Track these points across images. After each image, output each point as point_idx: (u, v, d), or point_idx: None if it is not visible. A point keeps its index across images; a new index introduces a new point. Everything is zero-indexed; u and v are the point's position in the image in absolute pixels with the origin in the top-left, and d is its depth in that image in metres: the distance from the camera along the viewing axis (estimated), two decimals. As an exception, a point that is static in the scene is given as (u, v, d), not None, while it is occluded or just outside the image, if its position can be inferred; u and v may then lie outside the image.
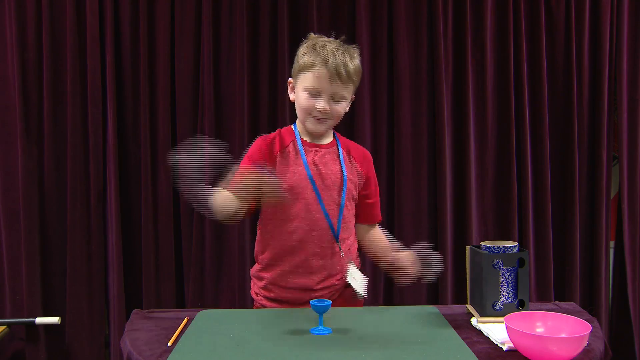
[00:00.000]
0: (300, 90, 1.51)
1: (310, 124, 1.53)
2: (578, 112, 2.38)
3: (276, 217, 1.53)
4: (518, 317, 1.12)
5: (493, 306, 1.25)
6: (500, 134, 2.38)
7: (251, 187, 1.33)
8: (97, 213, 2.25)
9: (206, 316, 1.36)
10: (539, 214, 2.36)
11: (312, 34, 1.58)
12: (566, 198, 2.39)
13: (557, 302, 1.48)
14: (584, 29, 2.37)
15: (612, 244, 2.48)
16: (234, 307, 2.21)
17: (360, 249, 1.68)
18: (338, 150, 1.60)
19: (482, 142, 2.37)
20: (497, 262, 1.25)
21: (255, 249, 1.62)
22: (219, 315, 1.37)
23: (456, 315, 1.34)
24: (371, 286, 2.31)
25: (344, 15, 2.33)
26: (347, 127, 2.28)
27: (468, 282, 1.37)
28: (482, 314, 1.26)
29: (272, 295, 1.55)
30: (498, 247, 1.25)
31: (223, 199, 1.40)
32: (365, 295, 1.54)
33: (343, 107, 1.55)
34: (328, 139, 1.61)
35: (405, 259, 1.55)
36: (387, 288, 2.36)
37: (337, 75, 1.47)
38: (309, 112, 1.51)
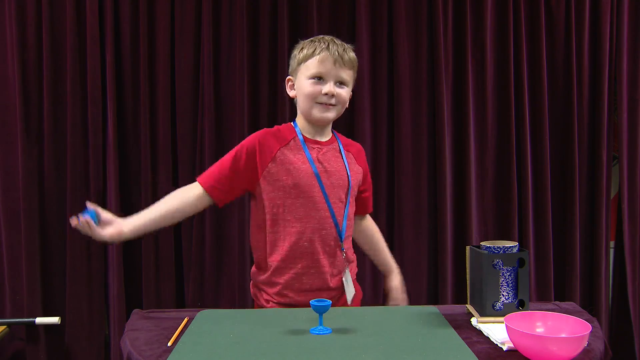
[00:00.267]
0: (303, 80, 1.52)
1: (317, 112, 1.53)
2: (578, 112, 2.38)
3: (283, 218, 1.51)
4: (518, 317, 1.12)
5: (493, 306, 1.25)
6: (500, 134, 2.38)
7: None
8: (97, 213, 2.25)
9: (206, 316, 1.35)
10: (539, 214, 2.36)
11: (300, 40, 1.61)
12: (566, 198, 2.39)
13: (557, 302, 1.48)
14: (584, 29, 2.37)
15: (612, 244, 2.48)
16: (234, 307, 2.21)
17: (353, 239, 1.72)
18: (339, 147, 1.60)
19: (482, 142, 2.37)
20: (497, 262, 1.25)
21: (257, 253, 1.59)
22: (219, 315, 1.37)
23: (456, 315, 1.34)
24: (371, 286, 2.32)
25: (344, 15, 2.33)
26: (347, 127, 2.28)
27: (468, 282, 1.37)
28: (482, 314, 1.26)
29: (286, 300, 1.52)
30: (498, 247, 1.25)
31: (151, 223, 1.47)
32: (349, 303, 1.55)
33: (347, 92, 1.56)
34: (328, 136, 1.60)
35: (395, 291, 1.73)
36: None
37: (340, 57, 1.51)
38: (315, 98, 1.51)
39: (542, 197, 2.36)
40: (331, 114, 1.54)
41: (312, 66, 1.51)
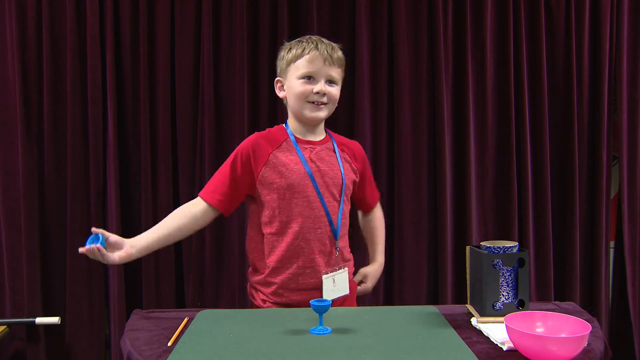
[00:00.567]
0: (293, 80, 1.53)
1: (309, 111, 1.53)
2: (578, 112, 2.38)
3: (279, 219, 1.51)
4: (518, 317, 1.12)
5: (493, 306, 1.25)
6: (500, 134, 2.38)
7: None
8: (97, 213, 2.25)
9: (206, 316, 1.36)
10: (539, 214, 2.36)
11: (285, 42, 1.63)
12: (566, 198, 2.39)
13: (557, 302, 1.48)
14: (584, 29, 2.37)
15: (612, 244, 2.48)
16: (234, 307, 2.21)
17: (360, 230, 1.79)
18: (333, 146, 1.60)
19: (482, 142, 2.37)
20: (497, 262, 1.25)
21: (252, 256, 1.60)
22: (219, 315, 1.37)
23: (456, 315, 1.34)
24: (371, 286, 2.31)
25: (344, 15, 2.33)
26: (347, 127, 2.28)
27: (468, 282, 1.37)
28: (482, 314, 1.26)
29: (282, 300, 1.52)
30: (498, 247, 1.25)
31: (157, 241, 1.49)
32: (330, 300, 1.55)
33: (337, 90, 1.58)
34: (321, 136, 1.61)
35: (363, 276, 1.75)
36: (387, 288, 2.36)
37: (329, 56, 1.52)
38: (306, 97, 1.52)
39: (542, 197, 2.36)
40: (322, 113, 1.55)
41: (302, 66, 1.52)
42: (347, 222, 1.62)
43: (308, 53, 1.51)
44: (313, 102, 1.53)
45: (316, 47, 1.52)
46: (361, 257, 1.82)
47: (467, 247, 1.37)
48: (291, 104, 1.56)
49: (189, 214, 1.53)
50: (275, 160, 1.52)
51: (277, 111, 2.30)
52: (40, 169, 2.26)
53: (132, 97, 2.28)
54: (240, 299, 2.26)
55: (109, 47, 2.22)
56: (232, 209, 1.57)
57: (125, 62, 2.27)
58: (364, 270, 1.76)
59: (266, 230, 1.53)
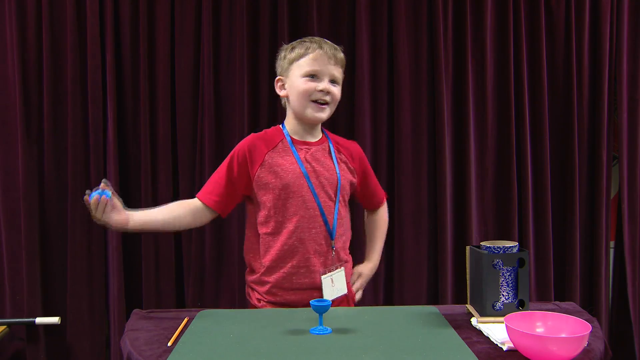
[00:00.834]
0: (296, 79, 1.53)
1: (312, 111, 1.54)
2: (578, 112, 2.38)
3: (275, 219, 1.52)
4: (518, 317, 1.12)
5: (493, 306, 1.25)
6: (500, 134, 2.38)
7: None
8: (97, 213, 2.24)
9: (206, 316, 1.36)
10: (539, 214, 2.36)
11: (283, 44, 1.64)
12: (566, 198, 2.39)
13: (557, 302, 1.48)
14: (584, 29, 2.37)
15: (612, 244, 2.48)
16: (234, 307, 2.21)
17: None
18: (329, 147, 1.61)
19: (482, 142, 2.37)
20: (497, 262, 1.25)
21: (248, 256, 1.60)
22: (219, 315, 1.37)
23: (456, 315, 1.34)
24: (371, 286, 2.31)
25: (344, 15, 2.33)
26: (347, 127, 2.28)
27: (468, 282, 1.37)
28: (482, 314, 1.26)
29: (277, 299, 1.53)
30: (498, 247, 1.25)
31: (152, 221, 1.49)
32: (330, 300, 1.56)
33: (339, 90, 1.59)
34: (318, 136, 1.62)
35: (355, 276, 1.73)
36: (387, 288, 2.36)
37: (333, 55, 1.54)
38: (310, 96, 1.52)
39: (542, 197, 2.36)
40: (324, 114, 1.56)
41: (305, 64, 1.53)
42: (344, 223, 1.62)
43: (312, 52, 1.52)
44: (316, 102, 1.53)
45: (320, 47, 1.53)
46: (360, 258, 1.82)
47: (467, 247, 1.37)
48: (293, 103, 1.56)
49: (187, 207, 1.54)
50: (270, 161, 1.52)
51: (277, 111, 2.30)
52: (40, 169, 2.26)
53: (132, 97, 2.28)
54: (240, 299, 2.26)
55: (109, 47, 2.22)
56: (229, 210, 1.58)
57: (125, 62, 2.27)
58: (359, 268, 1.76)
59: (262, 230, 1.54)
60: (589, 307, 2.39)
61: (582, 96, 2.38)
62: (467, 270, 1.37)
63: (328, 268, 1.54)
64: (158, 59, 2.26)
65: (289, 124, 1.60)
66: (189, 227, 1.57)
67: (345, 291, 1.58)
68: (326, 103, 1.54)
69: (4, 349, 2.28)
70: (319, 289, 1.53)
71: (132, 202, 2.29)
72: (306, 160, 1.54)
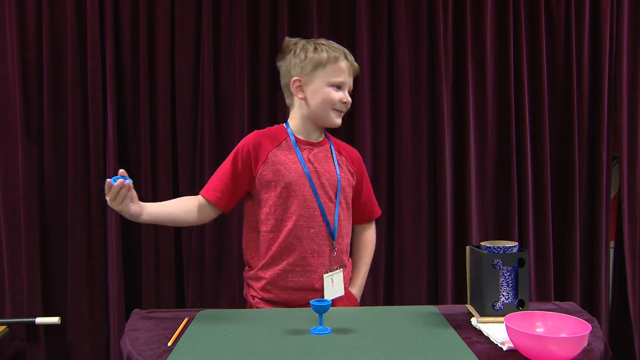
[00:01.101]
0: (322, 86, 1.54)
1: (334, 118, 1.58)
2: (578, 112, 2.38)
3: (275, 216, 1.53)
4: (518, 317, 1.12)
5: (493, 306, 1.25)
6: (500, 134, 2.38)
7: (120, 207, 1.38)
8: (97, 213, 2.25)
9: (206, 316, 1.36)
10: (539, 214, 2.36)
11: (288, 39, 1.63)
12: (566, 198, 2.39)
13: (557, 302, 1.48)
14: (584, 29, 2.37)
15: (612, 244, 2.48)
16: (234, 307, 2.21)
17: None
18: (331, 149, 1.62)
19: (482, 142, 2.37)
20: (497, 262, 1.25)
21: (246, 252, 1.61)
22: (219, 315, 1.37)
23: (456, 315, 1.34)
24: (371, 286, 2.31)
25: (344, 15, 2.33)
26: (347, 127, 2.28)
27: (468, 282, 1.37)
28: (482, 314, 1.26)
29: (270, 296, 1.54)
30: (498, 247, 1.25)
31: (168, 214, 1.50)
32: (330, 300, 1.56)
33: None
34: (320, 137, 1.62)
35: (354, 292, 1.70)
36: (387, 288, 2.36)
37: (354, 67, 1.59)
38: (334, 105, 1.55)
39: (542, 197, 2.36)
40: (340, 120, 1.61)
41: (334, 74, 1.54)
42: (345, 225, 1.62)
43: (340, 61, 1.55)
44: (337, 110, 1.57)
45: (346, 57, 1.57)
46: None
47: (467, 247, 1.38)
48: (314, 108, 1.56)
49: (194, 203, 1.56)
50: (274, 158, 1.53)
51: (277, 111, 2.30)
52: (40, 169, 2.26)
53: (132, 97, 2.28)
54: (240, 299, 2.25)
55: (109, 47, 2.22)
56: (232, 205, 1.59)
57: (125, 62, 2.27)
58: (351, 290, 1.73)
59: (262, 228, 1.54)
60: (589, 307, 2.39)
61: (582, 96, 2.38)
62: (467, 270, 1.37)
63: (330, 267, 1.55)
64: (158, 59, 2.26)
65: (294, 123, 1.60)
66: (196, 224, 1.58)
67: (342, 293, 1.59)
68: (342, 110, 1.60)
69: (4, 349, 2.28)
70: (314, 289, 1.53)
71: (132, 202, 2.29)
72: (309, 160, 1.55)
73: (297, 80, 1.57)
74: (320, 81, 1.54)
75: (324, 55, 1.53)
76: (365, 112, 2.31)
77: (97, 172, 2.23)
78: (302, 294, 1.52)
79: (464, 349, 1.10)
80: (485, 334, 1.19)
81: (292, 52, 1.59)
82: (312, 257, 1.53)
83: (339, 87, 1.55)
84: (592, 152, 2.41)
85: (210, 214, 1.57)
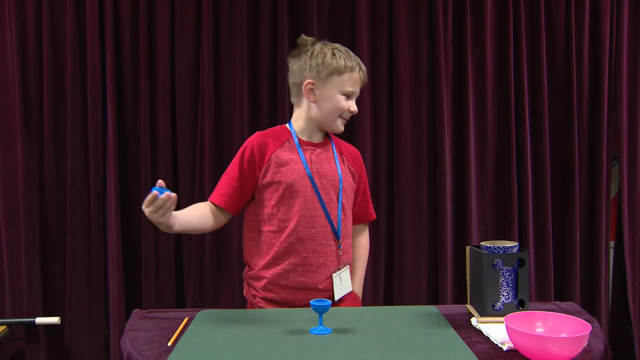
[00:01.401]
0: (334, 93, 1.55)
1: (339, 125, 1.61)
2: (578, 112, 2.38)
3: (277, 217, 1.53)
4: (518, 317, 1.12)
5: (493, 306, 1.25)
6: (500, 134, 2.38)
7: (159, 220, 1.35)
8: (97, 213, 2.25)
9: (206, 316, 1.36)
10: (539, 214, 2.36)
11: (306, 37, 1.61)
12: (566, 198, 2.39)
13: (557, 302, 1.48)
14: (584, 29, 2.37)
15: (612, 244, 2.48)
16: (234, 307, 2.22)
17: None
18: (332, 149, 1.62)
19: (482, 142, 2.37)
20: (497, 262, 1.25)
21: (246, 252, 1.61)
22: (219, 315, 1.37)
23: (456, 315, 1.34)
24: (371, 286, 2.32)
25: (344, 16, 2.33)
26: (347, 127, 2.26)
27: (468, 282, 1.37)
28: (482, 314, 1.26)
29: (271, 295, 1.54)
30: (498, 247, 1.25)
31: (188, 222, 1.48)
32: (336, 299, 1.55)
33: None
34: (322, 138, 1.63)
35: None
36: (387, 288, 2.36)
37: (365, 79, 1.62)
38: (342, 113, 1.58)
39: (542, 197, 2.36)
40: (343, 127, 1.64)
41: (348, 83, 1.56)
42: (347, 225, 1.62)
43: (356, 72, 1.57)
44: (343, 117, 1.60)
45: (360, 68, 1.58)
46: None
47: (467, 247, 1.38)
48: (323, 112, 1.57)
49: (207, 207, 1.57)
50: (277, 159, 1.53)
51: (277, 111, 2.30)
52: (40, 169, 2.26)
53: (132, 97, 2.28)
54: (240, 299, 2.25)
55: (109, 47, 2.22)
56: (241, 207, 1.61)
57: (125, 62, 2.27)
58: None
59: (264, 227, 1.55)
60: (589, 307, 2.39)
61: (582, 96, 2.38)
62: (467, 270, 1.37)
63: (337, 267, 1.56)
64: (158, 59, 2.26)
65: (298, 124, 1.60)
66: (213, 229, 1.60)
67: (350, 288, 1.60)
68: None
69: (4, 349, 2.28)
70: (316, 289, 1.53)
71: (132, 202, 2.29)
72: (311, 160, 1.55)
73: (310, 82, 1.56)
74: (334, 88, 1.54)
75: (342, 63, 1.54)
76: (365, 112, 2.31)
77: (97, 172, 2.23)
78: (303, 293, 1.52)
79: (464, 349, 1.10)
80: (485, 334, 1.19)
81: (308, 53, 1.56)
82: (314, 257, 1.53)
83: (349, 96, 1.58)
84: (592, 152, 2.41)
85: (223, 219, 1.60)
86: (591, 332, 1.06)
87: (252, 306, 1.60)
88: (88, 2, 2.21)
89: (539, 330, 1.13)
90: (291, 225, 1.52)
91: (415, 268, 2.33)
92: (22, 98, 2.21)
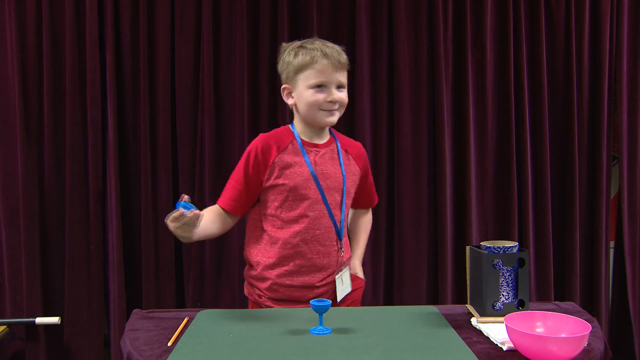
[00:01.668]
0: (303, 90, 1.53)
1: (322, 118, 1.54)
2: (578, 112, 2.38)
3: (281, 218, 1.53)
4: (518, 317, 1.12)
5: (493, 306, 1.25)
6: (500, 134, 2.38)
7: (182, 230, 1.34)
8: (97, 213, 2.25)
9: (206, 316, 1.36)
10: (539, 214, 2.36)
11: (283, 44, 1.61)
12: (566, 198, 2.39)
13: (557, 302, 1.48)
14: (584, 29, 2.37)
15: (612, 244, 2.48)
16: (234, 307, 2.21)
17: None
18: (337, 149, 1.62)
19: (482, 142, 2.37)
20: (497, 262, 1.25)
21: (249, 252, 1.61)
22: (219, 315, 1.37)
23: (456, 315, 1.34)
24: (371, 286, 2.32)
25: (344, 16, 2.33)
26: (347, 127, 2.28)
27: (468, 282, 1.37)
28: (482, 314, 1.26)
29: (277, 295, 1.54)
30: (498, 247, 1.25)
31: (203, 231, 1.45)
32: (338, 301, 1.55)
33: (346, 94, 1.59)
34: (325, 138, 1.62)
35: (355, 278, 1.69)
36: (387, 288, 2.36)
37: (338, 62, 1.52)
38: (319, 106, 1.53)
39: (542, 197, 2.36)
40: (335, 118, 1.57)
41: (312, 76, 1.51)
42: (347, 224, 1.64)
43: (317, 62, 1.50)
44: (325, 109, 1.54)
45: (324, 55, 1.51)
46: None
47: (467, 247, 1.37)
48: (302, 112, 1.56)
49: (215, 211, 1.56)
50: (281, 162, 1.53)
51: (277, 111, 2.30)
52: (40, 169, 2.26)
53: (132, 97, 2.28)
54: (240, 299, 2.26)
55: (109, 47, 2.22)
56: (248, 209, 1.60)
57: (125, 62, 2.27)
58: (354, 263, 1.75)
59: (268, 228, 1.55)
60: (589, 307, 2.39)
61: (582, 96, 2.38)
62: (467, 270, 1.37)
63: (339, 269, 1.56)
64: (158, 59, 2.26)
65: (299, 126, 1.60)
66: (222, 233, 1.59)
67: (350, 289, 1.60)
68: (335, 109, 1.56)
69: (4, 349, 2.28)
70: (316, 287, 1.54)
71: (132, 202, 2.29)
72: (315, 162, 1.55)
73: (285, 87, 1.59)
74: (302, 85, 1.53)
75: (300, 58, 1.52)
76: (365, 112, 2.31)
77: (96, 172, 2.24)
78: (307, 291, 1.53)
79: (464, 349, 1.10)
80: (485, 334, 1.19)
81: (280, 60, 1.60)
82: (318, 258, 1.53)
83: (320, 86, 1.52)
84: (592, 152, 2.41)
85: (231, 222, 1.59)
86: (591, 332, 1.06)
87: (254, 305, 1.60)
88: (88, 2, 2.21)
89: (539, 330, 1.13)
90: (296, 227, 1.52)
91: (415, 268, 2.33)
92: (22, 98, 2.21)
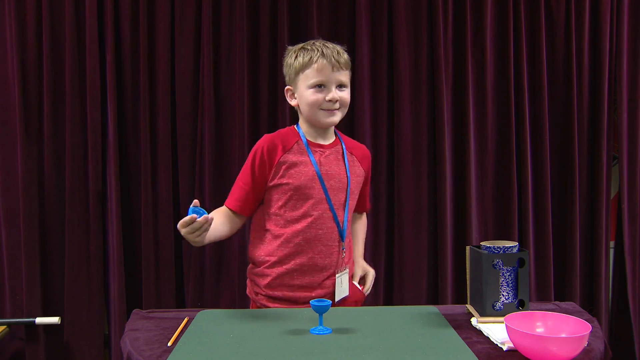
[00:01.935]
0: (304, 90, 1.54)
1: (323, 118, 1.55)
2: (578, 112, 2.38)
3: (285, 217, 1.53)
4: (518, 317, 1.12)
5: (493, 306, 1.25)
6: (500, 134, 2.38)
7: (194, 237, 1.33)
8: (97, 213, 2.25)
9: (206, 316, 1.36)
10: (539, 214, 2.36)
11: (288, 47, 1.63)
12: (566, 198, 2.39)
13: (557, 302, 1.48)
14: (584, 29, 2.37)
15: (612, 244, 2.48)
16: (234, 307, 2.21)
17: None
18: (342, 149, 1.62)
19: (482, 142, 2.37)
20: (497, 262, 1.25)
21: (253, 250, 1.61)
22: (219, 315, 1.37)
23: (456, 315, 1.34)
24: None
25: (344, 15, 2.33)
26: (347, 127, 2.28)
27: (468, 282, 1.37)
28: (482, 314, 1.26)
29: (276, 294, 1.54)
30: (498, 247, 1.25)
31: (213, 234, 1.45)
32: (335, 301, 1.56)
33: (347, 93, 1.59)
34: (331, 139, 1.63)
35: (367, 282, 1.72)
36: (387, 288, 2.36)
37: (337, 62, 1.53)
38: (319, 106, 1.54)
39: (542, 197, 2.36)
40: (337, 117, 1.57)
41: (311, 75, 1.52)
42: (348, 226, 1.63)
43: (316, 62, 1.52)
44: (326, 109, 1.54)
45: (323, 55, 1.52)
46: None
47: (467, 247, 1.37)
48: (304, 112, 1.57)
49: (222, 212, 1.57)
50: (285, 161, 1.53)
51: (277, 111, 2.30)
52: (40, 169, 2.26)
53: (132, 97, 2.28)
54: (240, 299, 2.26)
55: (109, 47, 2.22)
56: (255, 209, 1.60)
57: (125, 62, 2.27)
58: (367, 267, 1.76)
59: (272, 227, 1.55)
60: (589, 307, 2.39)
61: (582, 96, 2.38)
62: (467, 270, 1.37)
63: (340, 268, 1.56)
64: (158, 59, 2.26)
65: (304, 127, 1.61)
66: (231, 234, 1.59)
67: (347, 293, 1.60)
68: (336, 108, 1.56)
69: (4, 349, 2.28)
70: (318, 288, 1.54)
71: (132, 202, 2.29)
72: (320, 162, 1.56)
73: (288, 89, 1.61)
74: (302, 86, 1.55)
75: (300, 60, 1.54)
76: (365, 112, 2.31)
77: (97, 172, 2.23)
78: (307, 291, 1.53)
79: (464, 349, 1.10)
80: (485, 334, 1.19)
81: (284, 63, 1.62)
82: (320, 258, 1.54)
83: (320, 86, 1.53)
84: (592, 152, 2.41)
85: (239, 222, 1.60)
86: (591, 332, 1.06)
87: (255, 304, 1.61)
88: (88, 2, 2.21)
89: (539, 330, 1.13)
90: (299, 226, 1.52)
91: (415, 268, 2.33)
92: (22, 98, 2.21)
